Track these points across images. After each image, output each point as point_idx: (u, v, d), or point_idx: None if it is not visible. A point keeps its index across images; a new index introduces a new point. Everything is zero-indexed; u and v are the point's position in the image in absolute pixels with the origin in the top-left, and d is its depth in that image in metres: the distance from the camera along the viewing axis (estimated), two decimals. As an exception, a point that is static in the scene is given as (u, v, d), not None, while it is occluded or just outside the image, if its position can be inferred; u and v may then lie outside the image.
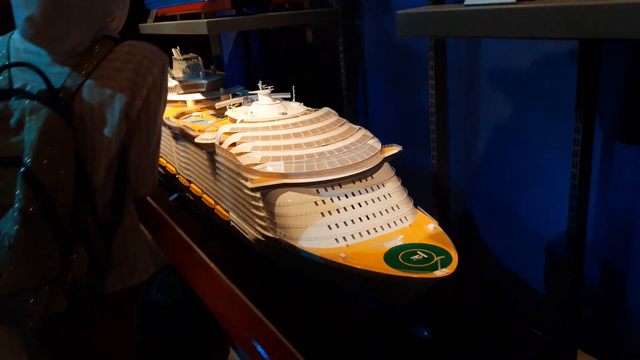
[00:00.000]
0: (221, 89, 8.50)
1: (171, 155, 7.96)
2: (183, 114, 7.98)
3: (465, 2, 2.78)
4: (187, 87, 8.88)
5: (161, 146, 8.44)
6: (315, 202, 4.86)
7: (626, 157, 4.46)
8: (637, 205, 4.47)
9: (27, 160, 2.16)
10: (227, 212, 6.09)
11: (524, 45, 5.09)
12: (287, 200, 4.88)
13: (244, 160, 5.29)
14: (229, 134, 5.79)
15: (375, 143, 5.55)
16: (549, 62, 4.89)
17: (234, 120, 6.16)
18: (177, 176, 7.79)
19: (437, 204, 6.25)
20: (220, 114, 7.69)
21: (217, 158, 5.98)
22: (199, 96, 8.40)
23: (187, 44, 11.82)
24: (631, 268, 4.70)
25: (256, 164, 5.19)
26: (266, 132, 5.60)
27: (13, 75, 2.36)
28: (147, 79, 2.64)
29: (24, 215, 2.22)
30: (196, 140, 6.10)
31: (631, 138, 4.40)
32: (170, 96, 8.60)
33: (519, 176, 5.54)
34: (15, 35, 2.49)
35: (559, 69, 4.80)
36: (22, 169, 2.15)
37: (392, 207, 5.03)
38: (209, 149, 6.05)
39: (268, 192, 5.01)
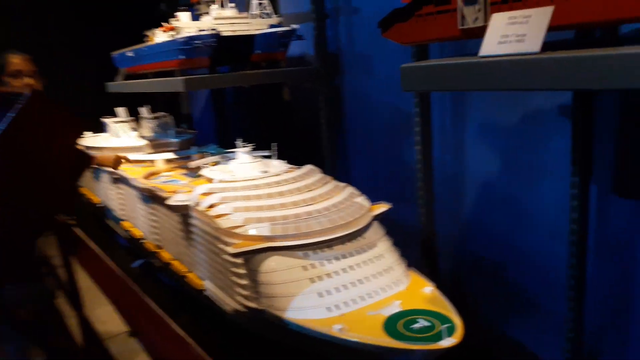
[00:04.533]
0: (194, 148, 8.17)
1: (137, 219, 7.44)
2: (152, 174, 7.55)
3: (480, 53, 2.63)
4: (157, 146, 8.51)
5: (126, 208, 8.01)
6: (304, 267, 4.48)
7: (621, 211, 4.35)
8: (635, 263, 4.32)
9: None
10: (202, 280, 5.60)
11: (511, 99, 5.05)
12: (273, 266, 4.48)
13: (223, 223, 4.90)
14: (207, 194, 5.41)
15: (363, 201, 5.28)
16: (538, 116, 4.84)
17: (210, 180, 5.80)
18: (142, 241, 7.25)
19: (426, 262, 5.96)
20: (193, 173, 7.31)
21: (192, 221, 5.55)
22: (170, 155, 8.03)
23: (156, 102, 11.58)
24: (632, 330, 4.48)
25: (238, 227, 4.80)
26: (248, 192, 5.26)
27: None
28: None
29: None
30: (168, 202, 5.68)
31: (625, 191, 4.30)
32: (139, 156, 8.19)
33: (511, 232, 5.36)
34: None
35: (549, 123, 4.74)
36: None
37: (385, 270, 4.70)
38: (183, 212, 5.63)
39: (251, 258, 4.60)
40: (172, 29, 6.49)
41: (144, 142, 8.45)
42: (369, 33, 6.57)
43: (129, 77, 8.23)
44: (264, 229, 4.65)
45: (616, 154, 4.24)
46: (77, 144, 3.69)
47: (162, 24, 6.75)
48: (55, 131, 3.13)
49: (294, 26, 6.67)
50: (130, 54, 7.80)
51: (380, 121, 6.66)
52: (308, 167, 5.96)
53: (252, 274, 4.57)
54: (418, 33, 3.18)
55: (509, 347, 5.46)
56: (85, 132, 8.98)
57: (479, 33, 2.79)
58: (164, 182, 7.04)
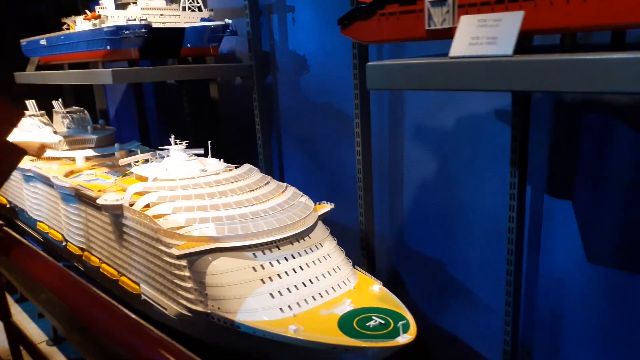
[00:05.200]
0: (116, 145, 7.66)
1: (57, 220, 6.83)
2: (72, 172, 6.97)
3: (451, 54, 2.70)
4: (73, 143, 7.86)
5: (43, 209, 7.31)
6: (254, 268, 4.35)
7: (555, 210, 4.70)
8: (567, 260, 4.68)
9: None
10: (137, 284, 5.26)
11: (448, 102, 5.27)
12: (221, 268, 4.31)
13: (164, 223, 4.63)
14: (141, 194, 5.09)
15: (307, 201, 5.25)
16: (475, 119, 5.10)
17: (144, 179, 5.46)
18: (64, 244, 6.67)
19: (366, 261, 6.06)
20: (119, 171, 6.85)
21: (126, 222, 5.20)
22: (91, 152, 7.45)
23: (66, 96, 10.71)
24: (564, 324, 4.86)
25: (180, 227, 4.56)
26: (187, 191, 5.01)
27: None
28: None
29: None
30: (99, 201, 5.27)
31: (558, 192, 4.65)
32: (54, 152, 7.53)
33: (448, 232, 5.59)
34: None
35: (485, 126, 5.01)
36: None
37: (333, 269, 4.70)
38: (115, 212, 5.25)
39: (196, 259, 4.39)
40: (97, 17, 6.03)
41: (58, 137, 7.77)
42: (304, 31, 6.56)
43: (41, 67, 7.53)
44: (209, 229, 4.46)
45: (550, 156, 4.57)
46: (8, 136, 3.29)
47: (86, 11, 6.24)
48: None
49: (228, 21, 6.48)
50: (43, 42, 7.13)
51: (316, 120, 6.66)
52: (247, 167, 5.82)
53: (198, 276, 4.37)
54: (380, 32, 3.20)
55: (446, 341, 5.70)
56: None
57: (446, 34, 2.87)
58: (87, 180, 6.53)
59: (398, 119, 5.78)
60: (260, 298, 4.20)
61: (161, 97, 9.62)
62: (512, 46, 2.48)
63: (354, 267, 5.01)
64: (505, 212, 4.71)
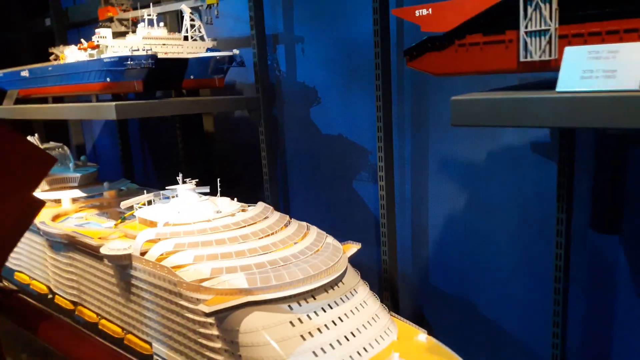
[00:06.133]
0: (105, 184, 7.06)
1: (42, 270, 6.13)
2: (58, 216, 6.32)
3: (559, 89, 2.45)
4: (55, 182, 7.20)
5: (23, 258, 6.58)
6: (292, 322, 3.90)
7: (596, 245, 4.51)
8: (611, 298, 4.47)
9: None
10: (148, 343, 4.68)
11: (477, 136, 5.06)
12: (256, 324, 3.83)
13: (186, 275, 4.13)
14: (154, 241, 4.58)
15: (334, 242, 4.85)
16: (509, 153, 4.89)
17: (152, 224, 4.94)
18: (50, 296, 5.98)
19: (389, 303, 5.68)
20: (110, 213, 6.28)
21: (135, 273, 4.64)
22: (77, 193, 6.82)
23: (36, 131, 9.96)
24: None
25: (205, 279, 4.07)
26: (206, 237, 4.53)
27: None
28: None
29: None
30: (103, 251, 4.70)
31: (604, 227, 4.46)
32: (36, 194, 6.83)
33: (475, 272, 5.32)
34: None
35: (520, 161, 4.81)
36: None
37: (372, 318, 4.30)
38: (122, 262, 4.69)
39: (227, 316, 3.90)
40: (95, 47, 5.56)
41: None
42: (313, 62, 6.29)
43: (21, 101, 6.91)
44: (239, 280, 3.98)
45: (594, 191, 4.39)
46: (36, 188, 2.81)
47: (82, 40, 5.75)
48: (13, 170, 2.29)
49: (235, 51, 6.13)
50: (25, 73, 6.55)
51: (326, 154, 6.34)
52: (261, 206, 5.39)
53: (229, 335, 3.87)
54: (457, 64, 2.93)
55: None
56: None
57: (543, 67, 2.63)
58: (78, 225, 5.91)
59: (422, 153, 5.53)
60: (302, 358, 3.75)
61: (147, 129, 9.08)
62: (637, 80, 2.24)
63: (389, 313, 4.63)
64: (550, 249, 4.47)
